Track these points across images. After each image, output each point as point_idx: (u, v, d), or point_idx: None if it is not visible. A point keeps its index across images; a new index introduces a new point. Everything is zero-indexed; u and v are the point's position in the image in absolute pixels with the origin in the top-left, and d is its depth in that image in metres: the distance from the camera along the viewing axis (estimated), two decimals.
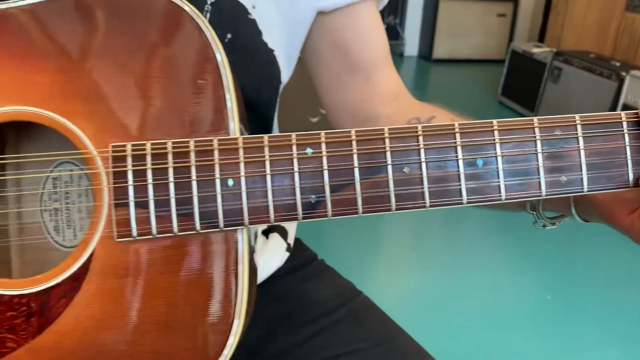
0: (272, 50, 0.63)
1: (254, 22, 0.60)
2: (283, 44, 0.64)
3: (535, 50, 3.50)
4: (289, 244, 0.76)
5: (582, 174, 0.43)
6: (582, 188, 0.43)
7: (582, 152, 0.43)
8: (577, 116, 0.43)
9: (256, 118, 0.65)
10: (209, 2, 0.57)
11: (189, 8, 0.44)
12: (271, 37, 0.62)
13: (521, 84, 3.56)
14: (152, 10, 0.44)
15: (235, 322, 0.43)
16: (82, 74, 0.44)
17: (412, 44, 5.11)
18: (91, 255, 0.42)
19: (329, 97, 0.69)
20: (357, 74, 0.66)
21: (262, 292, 0.70)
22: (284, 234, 0.76)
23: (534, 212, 0.51)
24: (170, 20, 0.44)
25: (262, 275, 0.71)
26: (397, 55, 5.38)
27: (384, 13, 5.24)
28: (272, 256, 0.73)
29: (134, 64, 0.44)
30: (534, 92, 3.42)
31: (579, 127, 0.43)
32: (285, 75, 0.66)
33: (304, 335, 0.68)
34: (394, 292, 1.91)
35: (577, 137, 0.43)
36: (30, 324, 0.42)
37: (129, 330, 0.42)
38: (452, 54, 4.81)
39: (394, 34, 5.08)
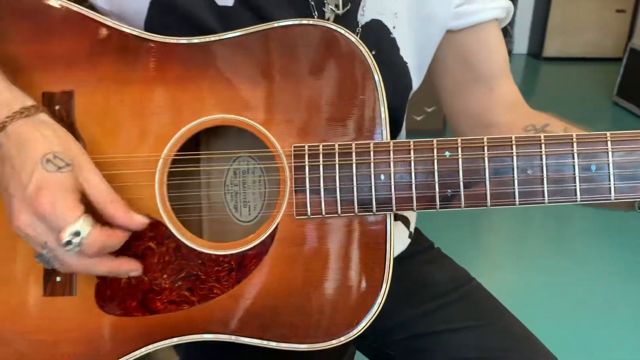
0: (406, 63, 0.74)
1: (394, 40, 0.71)
2: (415, 57, 0.74)
3: None
4: (410, 232, 0.87)
5: None
6: None
7: None
8: None
9: (389, 119, 0.77)
10: (359, 25, 0.69)
11: (355, 39, 0.56)
12: (406, 51, 0.73)
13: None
14: (326, 41, 0.57)
15: (384, 285, 0.55)
16: (270, 91, 0.57)
17: (521, 41, 4.98)
18: (276, 228, 0.56)
19: (452, 103, 0.79)
20: (479, 84, 0.76)
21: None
22: (406, 223, 0.87)
23: None
24: (340, 49, 0.56)
25: None
26: None
27: None
28: (397, 241, 0.84)
29: (309, 84, 0.57)
30: None
31: None
32: (415, 84, 0.76)
33: (421, 310, 0.79)
34: (495, 291, 1.95)
35: None
36: (231, 276, 0.56)
37: (301, 286, 0.55)
38: (564, 51, 4.64)
39: (503, 31, 4.98)
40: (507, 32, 5.02)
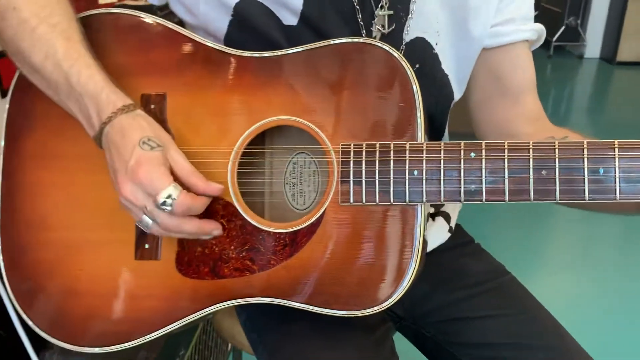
0: (447, 75, 0.83)
1: (436, 55, 0.81)
2: (456, 70, 0.83)
3: None
4: (450, 227, 0.95)
5: None
6: None
7: None
8: None
9: (433, 126, 0.86)
10: (404, 43, 0.78)
11: (397, 55, 0.66)
12: (447, 65, 0.82)
13: None
14: (373, 56, 0.67)
15: (413, 265, 0.64)
16: (324, 97, 0.68)
17: (593, 46, 4.85)
18: (323, 212, 0.67)
19: (479, 113, 0.86)
20: (506, 97, 0.83)
21: (429, 261, 0.90)
22: (447, 218, 0.95)
23: None
24: (385, 63, 0.66)
25: (429, 246, 0.91)
26: (576, 57, 5.14)
27: (564, 14, 5.02)
28: (436, 234, 0.93)
29: (357, 92, 0.67)
30: None
31: None
32: (457, 94, 0.85)
33: (456, 297, 0.87)
34: (558, 296, 1.94)
35: None
36: (285, 251, 0.68)
37: (342, 261, 0.66)
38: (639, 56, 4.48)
39: (574, 35, 4.87)
40: (579, 36, 4.90)
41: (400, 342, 0.95)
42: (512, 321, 0.84)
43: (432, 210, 0.94)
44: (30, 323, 0.74)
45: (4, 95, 0.78)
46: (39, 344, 1.11)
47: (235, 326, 0.94)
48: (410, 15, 0.77)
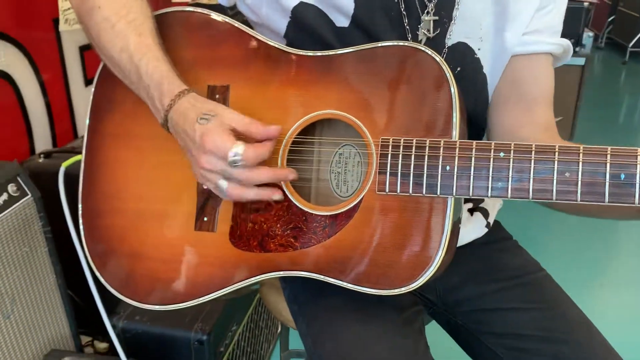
0: (486, 77, 0.87)
1: (478, 60, 0.85)
2: (492, 74, 0.87)
3: None
4: (488, 223, 0.99)
5: None
6: None
7: None
8: None
9: (472, 126, 0.90)
10: (446, 47, 0.84)
11: (438, 58, 0.72)
12: (487, 69, 0.87)
13: None
14: (415, 58, 0.73)
15: (440, 252, 0.70)
16: (369, 94, 0.75)
17: None
18: (361, 199, 0.74)
19: (494, 115, 0.89)
20: (521, 103, 0.87)
21: (462, 253, 0.95)
22: (485, 214, 1.00)
23: None
24: (426, 65, 0.72)
25: (464, 239, 0.96)
26: None
27: None
28: (473, 228, 0.97)
29: (399, 91, 0.73)
30: None
31: None
32: (491, 98, 0.89)
33: (489, 289, 0.92)
34: (618, 314, 1.93)
35: None
36: (325, 231, 0.75)
37: (375, 244, 0.73)
38: None
39: None
40: None
41: (436, 332, 1.00)
42: (542, 315, 0.87)
43: (470, 205, 0.99)
44: (102, 281, 0.85)
45: (88, 84, 0.90)
46: (109, 310, 1.25)
47: (281, 302, 1.03)
48: (453, 21, 0.83)
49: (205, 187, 0.79)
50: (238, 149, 0.69)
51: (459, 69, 0.85)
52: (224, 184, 0.72)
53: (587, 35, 3.66)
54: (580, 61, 3.41)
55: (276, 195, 0.76)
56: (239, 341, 1.45)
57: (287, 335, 1.20)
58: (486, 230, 0.99)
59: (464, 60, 0.85)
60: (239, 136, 0.71)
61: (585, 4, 3.56)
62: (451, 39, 0.83)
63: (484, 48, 0.85)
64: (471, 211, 0.99)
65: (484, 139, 0.92)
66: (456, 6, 0.83)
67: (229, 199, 0.75)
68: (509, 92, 0.89)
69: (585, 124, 3.57)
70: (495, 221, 1.04)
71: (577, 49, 3.45)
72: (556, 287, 0.93)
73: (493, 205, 1.02)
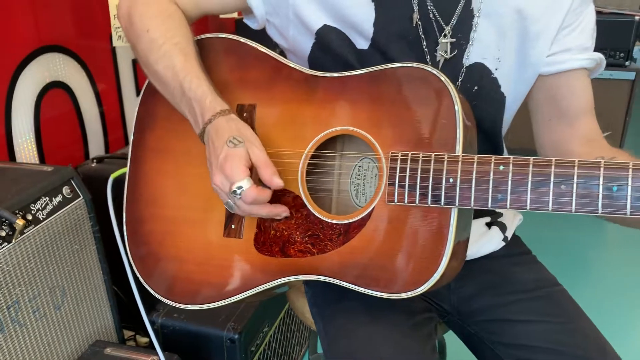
0: (505, 97, 0.91)
1: (495, 79, 0.90)
2: (512, 93, 0.92)
3: None
4: (506, 237, 1.03)
5: None
6: None
7: None
8: None
9: (489, 141, 0.95)
10: (464, 67, 0.89)
11: (444, 79, 0.77)
12: (506, 89, 0.91)
13: None
14: (424, 79, 0.78)
15: (443, 260, 0.74)
16: (381, 112, 0.81)
17: None
18: (372, 209, 0.79)
19: (540, 134, 0.94)
20: (562, 120, 0.90)
21: (479, 265, 1.00)
22: (503, 228, 1.03)
23: None
24: (434, 85, 0.78)
25: (480, 252, 1.00)
26: None
27: None
28: (489, 241, 1.01)
29: (408, 109, 0.79)
30: None
31: None
32: (509, 114, 0.93)
33: (502, 300, 0.95)
34: None
35: None
36: (339, 239, 0.81)
37: (384, 251, 0.78)
38: None
39: None
40: None
41: (453, 341, 1.03)
42: (555, 329, 0.90)
43: (488, 219, 1.02)
44: (141, 280, 0.94)
45: (139, 94, 1.00)
46: (147, 308, 1.35)
47: (305, 305, 1.09)
48: (470, 43, 0.88)
49: None
50: (245, 186, 0.77)
51: (476, 87, 0.90)
52: (232, 204, 0.80)
53: (639, 49, 3.58)
54: (630, 75, 3.34)
55: (284, 213, 0.83)
56: (270, 342, 1.52)
57: (315, 338, 1.26)
58: (503, 244, 1.02)
59: (481, 80, 0.90)
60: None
61: (637, 17, 3.48)
62: (469, 59, 0.88)
63: (502, 68, 0.90)
64: (489, 225, 1.02)
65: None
66: (473, 28, 0.88)
67: (240, 214, 0.83)
68: (550, 110, 0.93)
69: (635, 139, 3.48)
70: (515, 236, 1.07)
71: (627, 62, 3.37)
72: (571, 302, 0.95)
73: (512, 220, 1.05)
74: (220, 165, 0.78)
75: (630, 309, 2.09)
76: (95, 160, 1.65)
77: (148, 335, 1.56)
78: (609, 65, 3.34)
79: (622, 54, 3.36)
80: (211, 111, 0.82)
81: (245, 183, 0.77)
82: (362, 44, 0.89)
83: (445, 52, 0.88)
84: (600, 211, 0.67)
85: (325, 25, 0.90)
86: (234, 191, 0.77)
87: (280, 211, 0.83)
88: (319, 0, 0.89)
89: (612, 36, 3.31)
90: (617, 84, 3.34)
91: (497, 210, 1.03)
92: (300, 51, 0.94)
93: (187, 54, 0.87)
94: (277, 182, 0.79)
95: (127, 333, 1.69)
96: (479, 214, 1.01)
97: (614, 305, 2.09)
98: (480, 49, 0.89)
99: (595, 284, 2.25)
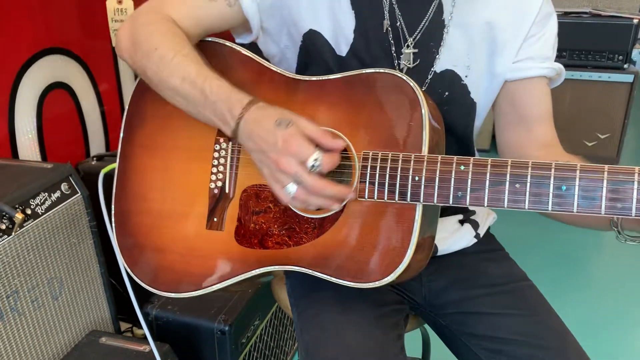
0: (475, 103, 0.96)
1: (465, 86, 0.95)
2: (482, 99, 0.97)
3: None
4: (478, 234, 1.08)
5: (632, 204, 0.67)
6: (631, 213, 0.67)
7: (635, 191, 0.67)
8: (636, 168, 0.67)
9: (461, 143, 1.00)
10: (430, 74, 0.94)
11: (412, 83, 0.82)
12: (476, 94, 0.96)
13: None
14: (394, 83, 0.83)
15: (408, 253, 0.79)
16: (353, 114, 0.86)
17: None
18: (345, 205, 0.85)
19: (500, 137, 0.99)
20: (521, 125, 0.95)
21: (450, 260, 1.05)
22: (475, 226, 1.08)
23: (616, 229, 0.74)
24: (402, 89, 0.82)
25: (452, 248, 1.05)
26: None
27: None
28: (462, 238, 1.06)
29: (378, 111, 0.84)
30: None
31: (635, 175, 0.67)
32: (479, 120, 0.98)
33: (472, 294, 1.00)
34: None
35: (633, 181, 0.67)
36: (314, 232, 0.87)
37: (355, 243, 0.83)
38: None
39: None
40: None
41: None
42: (521, 321, 0.94)
43: (461, 217, 1.07)
44: (129, 270, 0.99)
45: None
46: (143, 300, 1.41)
47: (284, 293, 1.15)
48: (439, 52, 0.93)
49: (272, 189, 0.82)
50: (319, 157, 0.76)
51: (447, 93, 0.95)
52: (293, 187, 0.78)
53: (637, 52, 3.60)
54: (629, 78, 3.37)
55: (335, 206, 0.81)
56: (262, 335, 1.58)
57: None
58: (475, 240, 1.07)
59: (452, 86, 0.95)
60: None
61: (635, 20, 3.51)
62: (439, 66, 0.93)
63: (471, 75, 0.95)
64: (462, 222, 1.07)
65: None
66: (443, 38, 0.93)
67: (292, 202, 0.82)
68: (510, 115, 0.99)
69: (633, 142, 3.50)
70: (489, 233, 1.12)
71: (625, 65, 3.41)
72: (539, 296, 0.99)
73: (485, 219, 1.10)
74: (283, 148, 0.76)
75: (624, 309, 2.12)
76: (95, 158, 1.71)
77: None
78: (608, 68, 3.38)
79: (620, 57, 3.39)
80: (239, 105, 0.82)
81: (318, 154, 0.76)
82: (343, 50, 0.94)
83: (408, 61, 0.93)
84: (550, 209, 0.71)
85: (311, 30, 0.95)
86: (312, 165, 0.76)
87: (348, 192, 0.81)
88: (307, 4, 0.93)
89: (610, 39, 3.34)
90: (615, 87, 3.37)
91: (471, 208, 1.08)
92: (290, 57, 0.99)
93: (199, 62, 0.88)
94: (341, 142, 0.79)
95: (125, 325, 1.75)
96: (452, 211, 1.06)
97: (608, 305, 2.12)
98: (451, 57, 0.93)
99: (589, 285, 2.29)
